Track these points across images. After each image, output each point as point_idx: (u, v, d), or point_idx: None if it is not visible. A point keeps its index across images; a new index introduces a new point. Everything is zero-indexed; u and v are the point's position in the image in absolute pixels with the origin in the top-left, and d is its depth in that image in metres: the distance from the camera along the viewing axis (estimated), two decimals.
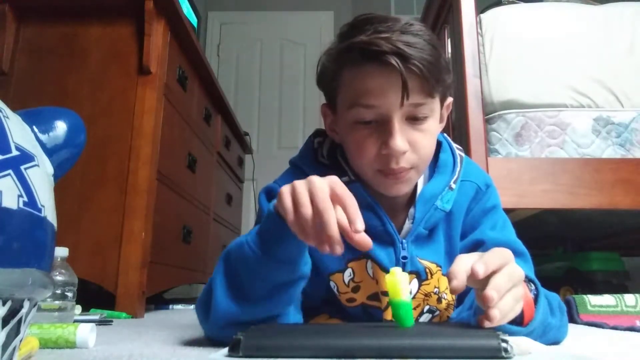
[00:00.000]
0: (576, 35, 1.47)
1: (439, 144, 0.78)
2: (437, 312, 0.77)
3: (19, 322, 0.35)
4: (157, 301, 1.75)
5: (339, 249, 0.51)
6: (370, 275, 0.73)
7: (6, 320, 0.34)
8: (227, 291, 0.61)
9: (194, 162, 1.77)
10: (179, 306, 1.66)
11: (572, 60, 1.43)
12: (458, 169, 0.77)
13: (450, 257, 0.76)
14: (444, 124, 0.75)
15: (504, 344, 0.44)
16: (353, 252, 0.72)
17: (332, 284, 0.75)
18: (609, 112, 1.39)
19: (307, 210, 0.51)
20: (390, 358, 0.44)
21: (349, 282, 0.73)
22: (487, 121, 1.41)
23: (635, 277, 2.04)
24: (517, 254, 0.65)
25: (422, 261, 0.74)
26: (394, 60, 0.62)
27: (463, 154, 0.81)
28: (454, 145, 0.81)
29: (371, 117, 0.66)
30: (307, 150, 0.80)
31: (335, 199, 0.52)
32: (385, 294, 0.72)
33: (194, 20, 2.96)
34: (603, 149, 1.37)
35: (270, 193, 0.74)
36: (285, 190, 0.54)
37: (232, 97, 3.53)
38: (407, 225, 0.74)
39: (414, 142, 0.67)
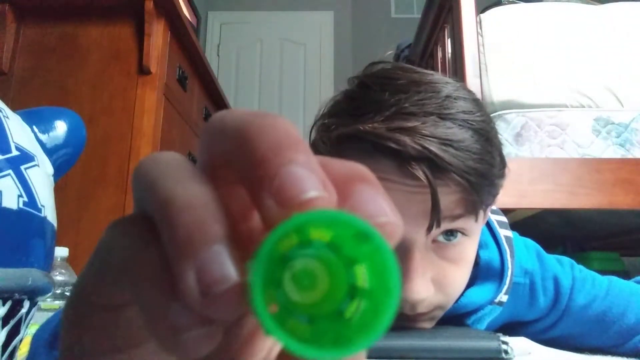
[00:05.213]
0: (576, 35, 1.47)
1: None
2: None
3: (19, 322, 0.35)
4: None
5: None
6: None
7: (6, 320, 0.34)
8: None
9: (194, 162, 1.76)
10: None
11: (572, 60, 1.43)
12: (510, 272, 0.54)
13: None
14: (481, 227, 0.51)
15: (504, 346, 0.44)
16: None
17: None
18: (609, 112, 1.39)
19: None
20: (390, 359, 0.44)
21: None
22: None
23: (635, 277, 2.04)
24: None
25: None
26: (422, 172, 0.41)
27: (509, 234, 0.58)
28: (499, 229, 0.57)
29: None
30: None
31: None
32: None
33: (193, 20, 2.96)
34: (603, 149, 1.37)
35: None
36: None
37: (232, 97, 3.53)
38: None
39: (442, 278, 0.47)
